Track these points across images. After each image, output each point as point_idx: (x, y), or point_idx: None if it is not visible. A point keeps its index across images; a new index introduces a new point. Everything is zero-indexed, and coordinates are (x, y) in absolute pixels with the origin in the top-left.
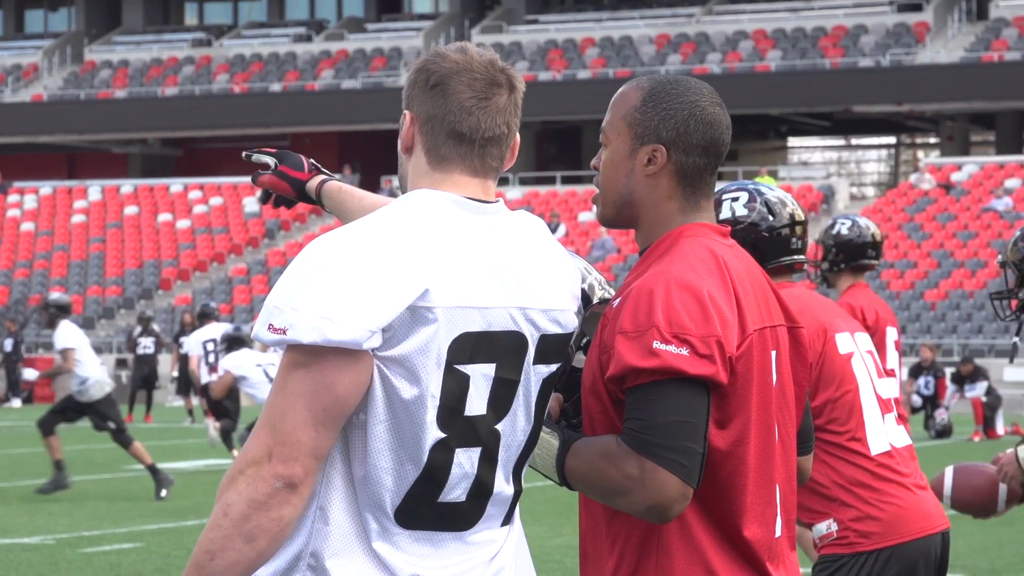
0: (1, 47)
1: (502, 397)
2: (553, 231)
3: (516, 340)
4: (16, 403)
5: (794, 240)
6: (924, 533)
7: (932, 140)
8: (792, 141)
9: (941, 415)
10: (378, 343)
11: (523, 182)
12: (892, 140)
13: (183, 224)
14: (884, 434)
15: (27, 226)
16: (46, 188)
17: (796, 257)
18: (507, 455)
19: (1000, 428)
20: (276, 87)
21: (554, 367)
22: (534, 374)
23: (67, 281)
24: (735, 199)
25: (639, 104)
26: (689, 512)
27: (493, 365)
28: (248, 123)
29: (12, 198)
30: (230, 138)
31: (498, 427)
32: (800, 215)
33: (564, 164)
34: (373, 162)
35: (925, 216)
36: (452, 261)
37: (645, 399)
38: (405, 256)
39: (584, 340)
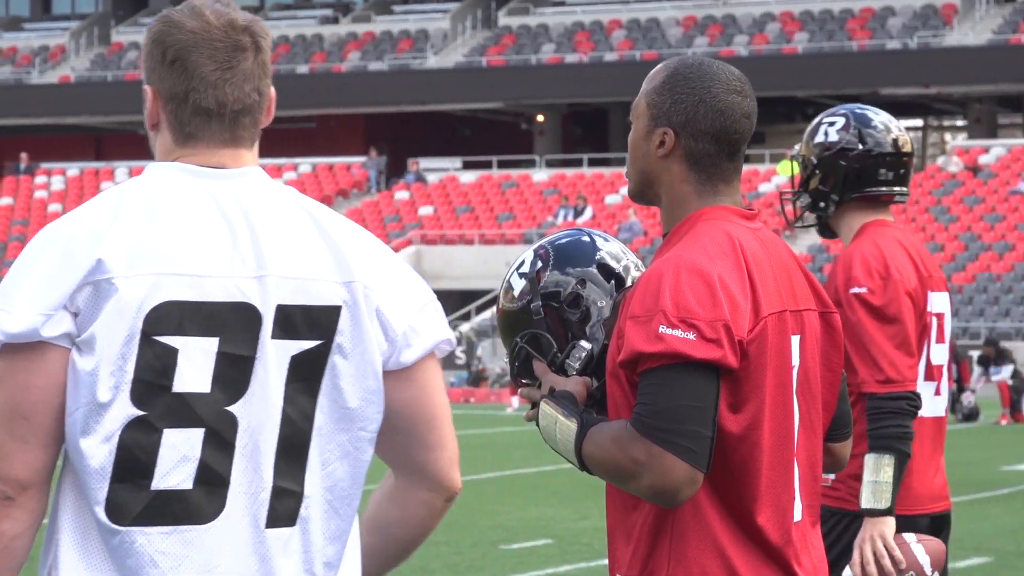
0: (28, 29)
1: (233, 375)
2: (579, 214)
3: (244, 312)
4: None
5: (882, 171)
6: (920, 511)
7: (960, 123)
8: None
9: (968, 398)
10: (68, 327)
11: (549, 164)
12: (919, 123)
13: None
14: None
15: (54, 207)
16: (73, 169)
17: (880, 189)
18: (253, 441)
19: None
20: (303, 69)
21: (310, 343)
22: (276, 350)
23: None
24: (832, 123)
25: (659, 86)
26: (702, 496)
27: (215, 339)
28: (275, 105)
29: (39, 179)
30: None
31: (232, 409)
32: (904, 144)
33: (590, 147)
34: (400, 144)
35: (952, 199)
36: (148, 229)
37: (653, 383)
38: (77, 232)
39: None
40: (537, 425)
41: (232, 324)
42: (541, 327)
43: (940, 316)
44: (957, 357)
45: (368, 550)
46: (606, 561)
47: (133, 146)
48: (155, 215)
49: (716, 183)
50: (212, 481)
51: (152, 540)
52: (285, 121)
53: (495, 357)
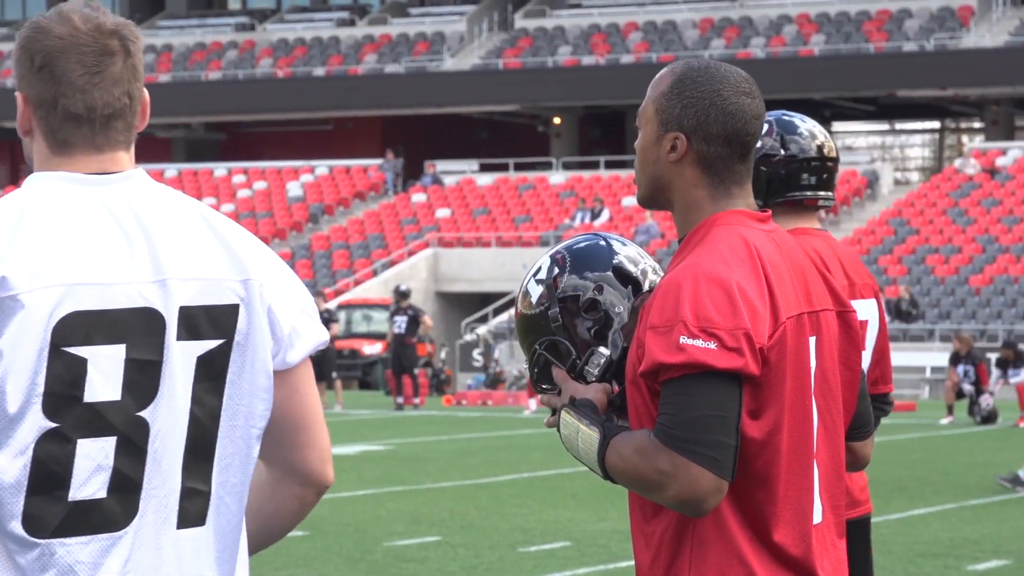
0: None
1: (142, 381)
2: (596, 216)
3: (148, 317)
4: None
5: (805, 176)
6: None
7: (976, 125)
8: (836, 126)
9: (986, 401)
10: None
11: (566, 167)
12: (936, 125)
13: (227, 208)
14: None
15: None
16: None
17: (804, 194)
18: (164, 444)
19: None
20: (319, 71)
21: (213, 343)
22: (182, 352)
23: None
24: None
25: (667, 90)
26: (723, 503)
27: (122, 346)
28: (292, 107)
29: None
30: (274, 122)
31: (143, 414)
32: (829, 150)
33: (607, 149)
34: (416, 146)
35: (970, 201)
36: (47, 241)
37: (676, 394)
38: None
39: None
40: (559, 432)
41: (137, 330)
42: (559, 333)
43: (863, 323)
44: (975, 360)
45: None
46: (624, 564)
47: (150, 149)
48: (51, 227)
49: (729, 186)
50: (125, 488)
51: (71, 551)
52: (302, 123)
53: (512, 360)
